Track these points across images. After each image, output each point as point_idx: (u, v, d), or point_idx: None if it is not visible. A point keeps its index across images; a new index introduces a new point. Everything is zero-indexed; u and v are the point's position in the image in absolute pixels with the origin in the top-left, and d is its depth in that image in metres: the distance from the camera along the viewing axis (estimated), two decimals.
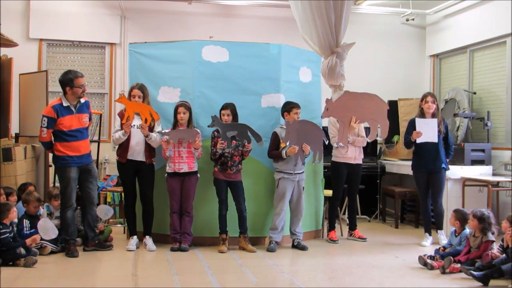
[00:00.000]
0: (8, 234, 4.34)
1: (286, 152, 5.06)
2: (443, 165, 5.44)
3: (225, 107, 5.05)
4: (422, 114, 5.46)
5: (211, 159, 5.07)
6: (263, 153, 5.23)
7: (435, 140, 5.34)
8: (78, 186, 4.90)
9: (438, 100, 5.66)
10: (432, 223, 5.66)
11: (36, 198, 4.89)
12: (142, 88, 5.08)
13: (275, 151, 5.16)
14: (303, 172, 5.27)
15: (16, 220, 4.64)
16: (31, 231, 4.66)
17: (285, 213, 5.19)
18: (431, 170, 5.44)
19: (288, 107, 5.17)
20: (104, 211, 5.38)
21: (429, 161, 5.42)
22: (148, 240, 5.09)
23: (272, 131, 5.22)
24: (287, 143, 5.05)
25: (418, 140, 5.35)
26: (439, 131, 5.37)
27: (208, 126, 4.98)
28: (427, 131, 5.30)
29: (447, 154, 5.52)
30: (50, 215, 5.04)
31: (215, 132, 5.02)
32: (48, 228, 4.57)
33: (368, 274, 4.33)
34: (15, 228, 4.55)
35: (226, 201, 5.05)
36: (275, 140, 5.17)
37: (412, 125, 5.49)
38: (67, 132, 4.73)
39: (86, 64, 7.46)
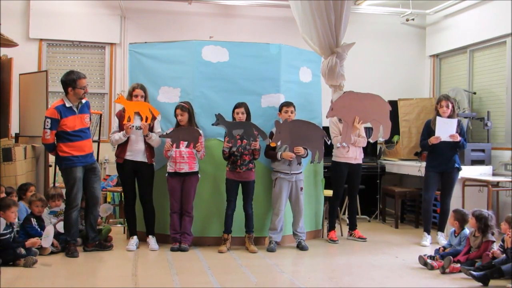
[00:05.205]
0: (9, 235, 4.35)
1: (281, 154, 5.07)
2: (456, 165, 5.45)
3: (238, 105, 5.04)
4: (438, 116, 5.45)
5: (223, 158, 5.06)
6: (262, 153, 5.23)
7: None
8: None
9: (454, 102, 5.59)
10: (434, 224, 5.66)
11: (38, 199, 4.94)
12: (143, 87, 5.10)
13: (271, 151, 5.16)
14: (300, 172, 5.26)
15: (16, 221, 4.65)
16: (39, 229, 4.72)
17: (283, 213, 5.19)
18: (444, 170, 5.46)
19: (280, 106, 5.19)
20: (105, 209, 5.47)
21: (443, 161, 5.44)
22: (151, 239, 5.09)
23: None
24: (278, 143, 5.04)
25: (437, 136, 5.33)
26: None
27: (212, 125, 4.96)
28: (446, 131, 5.31)
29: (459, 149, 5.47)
30: (57, 216, 5.04)
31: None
32: (48, 236, 4.55)
33: (368, 274, 4.33)
34: (15, 229, 4.56)
35: (234, 201, 5.03)
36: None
37: (428, 127, 5.51)
38: (71, 132, 4.73)
39: (86, 64, 7.46)
